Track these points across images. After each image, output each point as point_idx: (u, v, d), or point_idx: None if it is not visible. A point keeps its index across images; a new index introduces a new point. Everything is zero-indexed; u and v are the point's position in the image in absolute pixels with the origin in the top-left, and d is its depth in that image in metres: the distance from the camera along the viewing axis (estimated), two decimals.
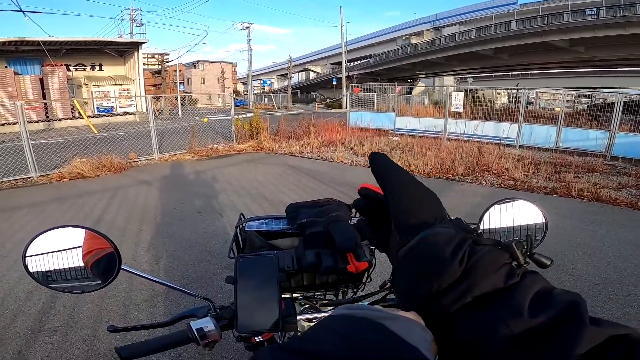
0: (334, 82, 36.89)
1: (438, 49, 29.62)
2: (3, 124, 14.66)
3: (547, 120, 9.72)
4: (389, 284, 0.99)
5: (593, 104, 11.84)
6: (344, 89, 29.02)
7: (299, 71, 52.47)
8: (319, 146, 9.12)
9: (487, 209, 0.77)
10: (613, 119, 8.01)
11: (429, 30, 38.16)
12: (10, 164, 6.26)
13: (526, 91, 10.02)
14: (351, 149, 8.83)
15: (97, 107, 18.40)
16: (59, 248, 0.69)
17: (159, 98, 18.10)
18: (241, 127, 9.55)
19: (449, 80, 34.75)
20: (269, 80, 55.38)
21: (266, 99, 37.26)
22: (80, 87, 19.55)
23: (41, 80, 17.05)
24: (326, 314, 1.04)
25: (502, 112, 10.39)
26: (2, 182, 6.05)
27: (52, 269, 0.69)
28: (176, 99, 19.09)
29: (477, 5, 36.95)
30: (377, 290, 1.04)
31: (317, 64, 51.22)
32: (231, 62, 47.12)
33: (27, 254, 0.67)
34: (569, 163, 7.13)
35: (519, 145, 9.17)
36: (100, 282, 0.70)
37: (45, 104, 14.29)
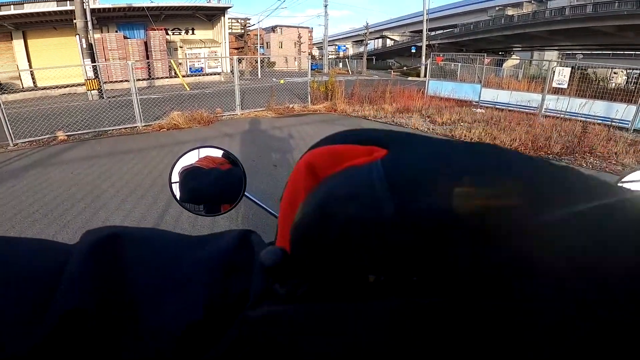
0: (413, 50, 34.60)
1: (540, 22, 25.81)
2: (114, 82, 16.92)
3: None
4: None
5: None
6: (424, 57, 27.14)
7: (375, 38, 50.14)
8: (394, 112, 8.81)
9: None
10: None
11: (530, 2, 33.03)
12: (121, 115, 7.27)
13: None
14: (428, 117, 8.37)
15: (190, 68, 20.05)
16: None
17: (241, 60, 19.05)
18: (317, 88, 9.64)
19: (551, 54, 30.22)
20: (344, 45, 54.05)
21: (340, 64, 36.72)
22: (176, 49, 21.35)
23: (145, 44, 19.04)
24: None
25: (617, 92, 8.77)
26: (114, 129, 7.08)
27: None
28: (256, 62, 19.86)
29: None
30: None
31: (395, 31, 48.32)
32: (308, 27, 46.78)
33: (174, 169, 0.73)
34: None
35: (634, 129, 7.72)
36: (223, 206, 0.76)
37: (148, 64, 16.03)
